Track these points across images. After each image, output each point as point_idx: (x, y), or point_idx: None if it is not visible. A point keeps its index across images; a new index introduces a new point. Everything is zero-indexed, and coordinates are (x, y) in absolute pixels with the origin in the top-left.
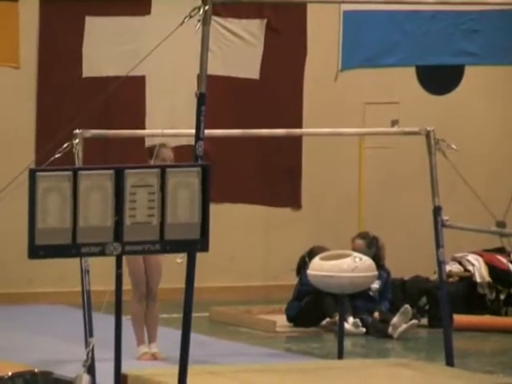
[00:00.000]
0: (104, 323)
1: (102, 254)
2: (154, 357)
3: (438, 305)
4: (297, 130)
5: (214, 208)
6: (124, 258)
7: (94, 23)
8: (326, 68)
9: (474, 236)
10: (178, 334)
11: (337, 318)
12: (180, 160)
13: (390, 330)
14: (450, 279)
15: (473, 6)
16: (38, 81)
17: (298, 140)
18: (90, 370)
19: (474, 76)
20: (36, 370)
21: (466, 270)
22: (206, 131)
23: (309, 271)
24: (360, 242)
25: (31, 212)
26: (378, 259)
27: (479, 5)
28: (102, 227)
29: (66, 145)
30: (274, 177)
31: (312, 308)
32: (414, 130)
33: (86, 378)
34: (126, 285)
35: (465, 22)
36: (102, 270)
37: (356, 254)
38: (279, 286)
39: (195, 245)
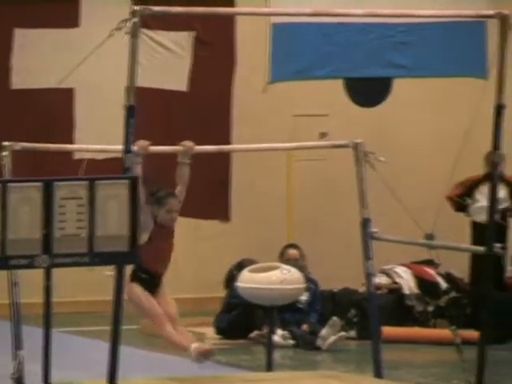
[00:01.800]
0: (33, 336)
1: (31, 266)
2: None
3: (366, 317)
4: (227, 147)
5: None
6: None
7: (23, 35)
8: (255, 80)
9: (403, 248)
10: (107, 346)
11: (266, 330)
12: (110, 173)
13: (319, 341)
14: (379, 291)
15: (403, 19)
16: None
17: (226, 154)
18: (19, 382)
19: (402, 88)
20: None
21: (395, 282)
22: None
23: (238, 284)
24: (295, 252)
25: None
26: (303, 269)
27: (408, 17)
28: (30, 239)
29: None
30: (203, 189)
31: (241, 320)
32: (342, 143)
33: None
34: (55, 297)
35: (394, 34)
36: (32, 281)
37: (284, 266)
38: (208, 298)
39: (124, 257)
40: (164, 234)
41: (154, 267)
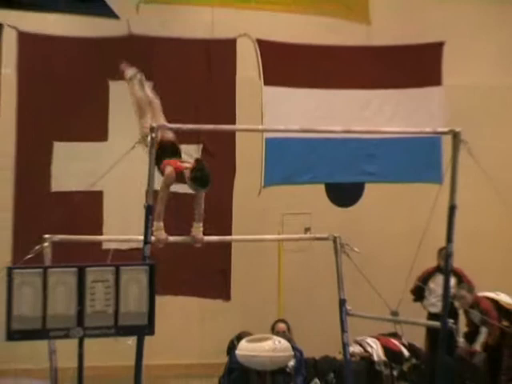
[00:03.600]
0: None
1: (67, 337)
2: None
3: (343, 379)
4: (227, 237)
5: (158, 299)
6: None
7: (61, 147)
8: (252, 184)
9: (372, 322)
10: None
11: None
12: (131, 260)
13: None
14: (353, 358)
15: (372, 134)
16: (15, 195)
17: (228, 243)
18: None
19: (372, 191)
20: None
21: (366, 350)
22: (153, 238)
23: (237, 352)
24: (283, 326)
25: (8, 302)
26: (290, 341)
27: (377, 133)
28: (67, 315)
29: (37, 247)
30: (209, 274)
31: (240, 382)
32: (323, 236)
33: None
34: (88, 362)
35: (366, 147)
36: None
37: (276, 337)
38: (213, 363)
39: (143, 330)
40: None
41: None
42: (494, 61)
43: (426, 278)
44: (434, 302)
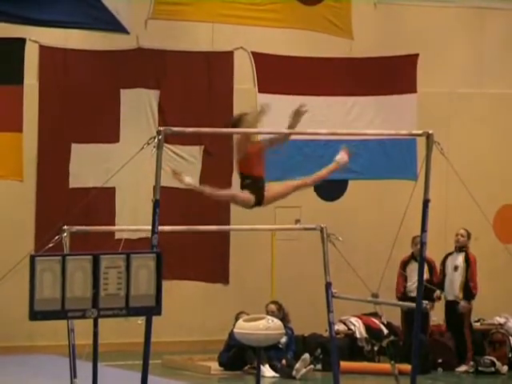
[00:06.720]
0: (84, 368)
1: (83, 317)
2: None
3: (328, 354)
4: (226, 227)
5: (165, 283)
6: None
7: (78, 148)
8: None
9: (355, 303)
10: (139, 376)
11: (255, 364)
12: (140, 248)
13: (294, 372)
14: (338, 335)
15: (354, 136)
16: (37, 191)
17: (226, 234)
18: None
19: (354, 187)
20: None
21: (349, 328)
22: (160, 227)
23: (235, 330)
24: (272, 306)
25: (31, 286)
26: (285, 321)
27: (359, 135)
28: (83, 297)
29: (57, 237)
30: (210, 261)
31: (237, 357)
32: (311, 227)
33: None
34: (102, 339)
35: (349, 147)
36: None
37: (269, 317)
38: (213, 340)
39: (152, 310)
40: (251, 150)
41: (257, 172)
42: (463, 70)
43: (403, 265)
44: (413, 289)
